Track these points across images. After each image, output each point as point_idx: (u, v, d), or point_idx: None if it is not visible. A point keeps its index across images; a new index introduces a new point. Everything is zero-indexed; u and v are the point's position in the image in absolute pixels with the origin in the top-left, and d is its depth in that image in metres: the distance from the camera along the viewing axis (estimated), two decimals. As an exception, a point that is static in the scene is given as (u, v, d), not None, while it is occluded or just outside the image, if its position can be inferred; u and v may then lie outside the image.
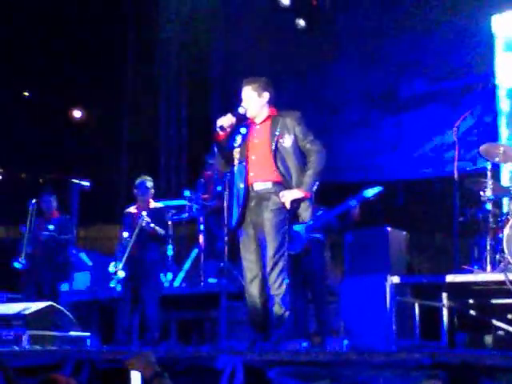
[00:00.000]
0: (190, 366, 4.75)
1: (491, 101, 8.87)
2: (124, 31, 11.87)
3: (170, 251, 8.22)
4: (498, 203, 6.88)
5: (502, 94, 8.75)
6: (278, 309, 5.14)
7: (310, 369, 4.59)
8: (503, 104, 8.71)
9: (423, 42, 9.47)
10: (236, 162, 5.30)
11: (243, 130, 5.33)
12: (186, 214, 8.38)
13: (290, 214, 5.18)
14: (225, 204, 7.29)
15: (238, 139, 5.32)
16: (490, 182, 6.49)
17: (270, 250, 5.13)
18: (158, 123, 11.81)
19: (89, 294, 8.19)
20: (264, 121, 5.32)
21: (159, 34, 11.86)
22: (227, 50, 11.36)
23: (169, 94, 11.83)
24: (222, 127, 5.22)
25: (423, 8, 9.52)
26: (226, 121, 5.23)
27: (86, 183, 7.82)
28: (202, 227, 8.02)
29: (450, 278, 6.00)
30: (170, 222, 8.15)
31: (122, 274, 7.07)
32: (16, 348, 5.79)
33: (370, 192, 6.68)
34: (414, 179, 9.44)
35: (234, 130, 5.31)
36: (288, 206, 5.12)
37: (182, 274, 8.28)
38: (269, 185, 5.21)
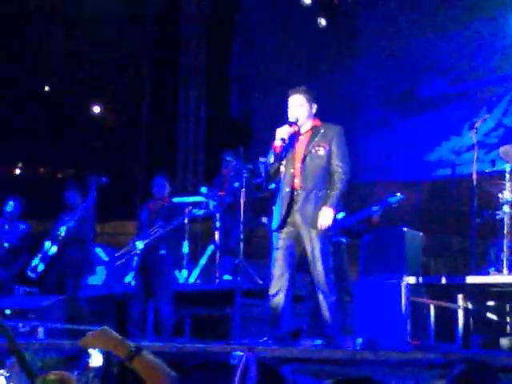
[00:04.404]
0: (203, 362, 4.77)
1: (512, 103, 8.82)
2: (145, 29, 11.92)
3: (185, 248, 8.24)
4: (517, 206, 6.81)
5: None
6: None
7: (324, 367, 4.60)
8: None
9: (443, 42, 9.43)
10: (283, 168, 5.45)
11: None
12: (203, 211, 8.39)
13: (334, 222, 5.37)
14: (241, 201, 7.33)
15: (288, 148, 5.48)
16: (508, 184, 6.43)
17: (317, 250, 5.27)
18: (177, 120, 11.84)
19: (105, 288, 8.22)
20: (307, 131, 5.48)
21: (180, 31, 11.90)
22: (247, 48, 11.38)
23: (187, 92, 11.86)
24: (283, 139, 5.35)
25: (443, 8, 9.47)
26: (286, 132, 5.36)
27: (105, 178, 7.87)
28: (218, 224, 8.02)
29: (465, 280, 5.96)
30: (186, 220, 8.18)
31: (140, 245, 7.18)
32: (32, 340, 5.83)
33: (394, 199, 7.01)
34: (430, 180, 9.40)
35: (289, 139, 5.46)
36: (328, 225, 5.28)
37: (197, 271, 8.28)
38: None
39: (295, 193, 5.37)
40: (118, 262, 7.53)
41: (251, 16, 11.34)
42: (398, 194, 7.09)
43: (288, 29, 10.74)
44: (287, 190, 5.38)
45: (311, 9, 10.07)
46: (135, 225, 8.19)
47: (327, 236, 5.33)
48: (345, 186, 5.37)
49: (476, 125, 6.95)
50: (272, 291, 5.39)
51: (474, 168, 6.83)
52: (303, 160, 5.38)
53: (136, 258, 7.28)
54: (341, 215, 7.04)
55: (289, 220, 5.37)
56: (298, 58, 10.57)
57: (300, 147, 5.45)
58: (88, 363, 2.93)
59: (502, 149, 6.65)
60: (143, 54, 12.00)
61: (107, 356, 4.05)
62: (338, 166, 5.37)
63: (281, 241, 5.39)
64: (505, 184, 6.43)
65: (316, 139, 5.41)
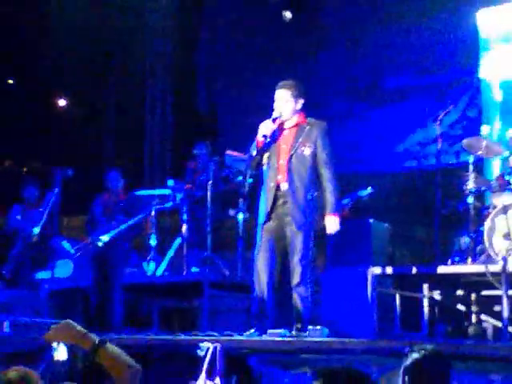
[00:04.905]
0: (170, 353, 4.78)
1: (475, 95, 8.90)
2: (110, 20, 11.81)
3: (153, 240, 8.21)
4: (480, 196, 6.92)
5: (494, 86, 8.65)
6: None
7: (291, 357, 4.63)
8: (496, 96, 8.63)
9: (409, 35, 9.48)
10: (265, 160, 5.51)
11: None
12: (170, 203, 8.37)
13: (316, 214, 5.47)
14: (208, 194, 7.33)
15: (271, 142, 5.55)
16: (472, 176, 6.53)
17: (298, 246, 5.37)
18: (143, 112, 11.78)
19: (71, 282, 8.18)
20: (292, 127, 5.53)
21: (146, 21, 11.83)
22: (214, 39, 11.36)
23: (154, 83, 11.80)
24: (265, 136, 5.42)
25: (408, 1, 9.53)
26: (269, 129, 5.42)
27: (70, 171, 7.80)
28: (185, 216, 8.01)
29: (430, 270, 6.04)
30: (153, 212, 8.16)
31: (105, 238, 7.17)
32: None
33: (364, 192, 7.32)
34: (397, 172, 9.48)
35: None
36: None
37: (164, 263, 8.26)
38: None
39: (280, 188, 5.44)
40: (78, 254, 7.53)
41: (218, 9, 11.31)
42: (369, 188, 7.23)
43: (254, 22, 10.74)
44: (272, 184, 5.45)
45: (277, 2, 10.08)
46: (85, 219, 8.17)
47: (309, 232, 5.41)
48: (336, 186, 5.46)
49: (440, 117, 7.03)
50: (256, 283, 5.45)
51: (438, 160, 6.93)
52: (289, 159, 5.43)
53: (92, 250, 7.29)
54: None
55: (273, 214, 5.45)
56: (264, 50, 10.57)
57: (284, 143, 5.50)
58: (53, 357, 2.93)
59: (465, 141, 6.75)
60: (109, 46, 11.90)
61: (72, 349, 4.04)
62: (326, 168, 5.45)
63: (264, 234, 5.47)
64: (468, 175, 6.53)
65: (301, 138, 5.46)
